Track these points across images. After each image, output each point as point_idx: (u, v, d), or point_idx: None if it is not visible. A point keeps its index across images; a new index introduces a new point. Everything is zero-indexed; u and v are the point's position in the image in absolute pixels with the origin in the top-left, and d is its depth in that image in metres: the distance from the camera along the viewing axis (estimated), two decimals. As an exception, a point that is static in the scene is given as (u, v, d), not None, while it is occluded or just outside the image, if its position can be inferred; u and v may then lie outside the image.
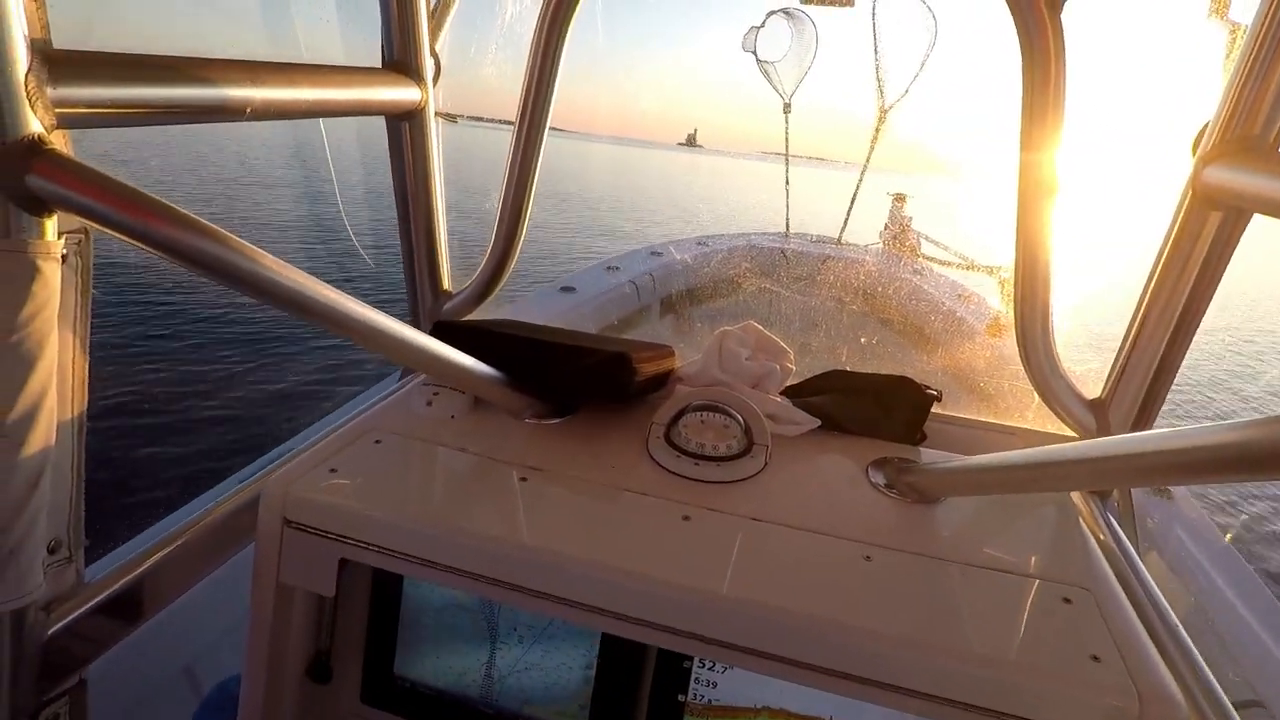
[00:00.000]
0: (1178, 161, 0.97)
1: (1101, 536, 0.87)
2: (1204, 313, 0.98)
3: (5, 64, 0.58)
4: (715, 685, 0.78)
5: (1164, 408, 1.06)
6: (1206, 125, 0.93)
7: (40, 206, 0.62)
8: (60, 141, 0.64)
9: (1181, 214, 0.95)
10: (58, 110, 0.63)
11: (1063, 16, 0.93)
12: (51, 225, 0.64)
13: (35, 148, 0.61)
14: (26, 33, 0.59)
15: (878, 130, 6.18)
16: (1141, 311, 1.02)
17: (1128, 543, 0.89)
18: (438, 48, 1.21)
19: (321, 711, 0.90)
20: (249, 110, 0.84)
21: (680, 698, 0.78)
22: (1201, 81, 0.96)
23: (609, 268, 4.55)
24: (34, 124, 0.61)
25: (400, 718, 0.89)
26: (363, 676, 0.90)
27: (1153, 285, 1.00)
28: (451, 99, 1.28)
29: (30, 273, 0.62)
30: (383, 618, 0.88)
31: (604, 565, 0.73)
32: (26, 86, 0.60)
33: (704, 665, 0.78)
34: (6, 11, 0.57)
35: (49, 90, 0.62)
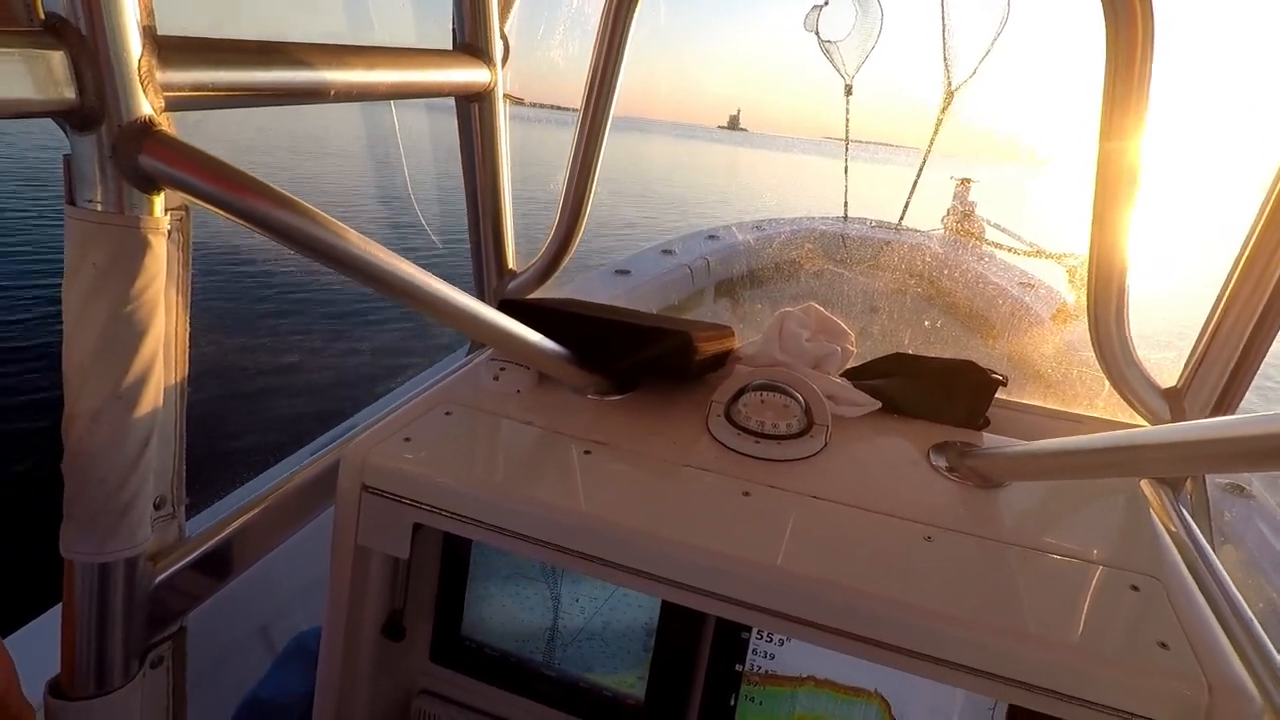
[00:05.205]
0: (1269, 135, 0.92)
1: (1172, 527, 0.84)
2: None
3: (121, 50, 0.62)
4: (773, 657, 0.79)
5: (1244, 400, 1.01)
6: None
7: (150, 185, 0.67)
8: (166, 124, 0.68)
9: (1277, 188, 0.90)
10: (165, 94, 0.68)
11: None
12: (159, 202, 0.69)
13: (147, 129, 0.65)
14: (140, 20, 0.64)
15: (943, 112, 5.96)
16: (1227, 295, 0.97)
17: (1199, 534, 0.86)
18: (507, 29, 1.23)
19: (394, 667, 0.95)
20: (333, 92, 0.87)
21: (738, 667, 0.80)
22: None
23: (664, 251, 4.53)
24: (145, 107, 0.65)
25: (466, 676, 0.93)
26: (432, 636, 0.94)
27: (1241, 265, 0.95)
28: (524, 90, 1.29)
29: (142, 247, 0.67)
30: (452, 581, 0.92)
31: (665, 536, 0.75)
32: (140, 71, 0.64)
33: (762, 636, 0.79)
34: (122, 3, 0.62)
35: (158, 75, 0.66)
